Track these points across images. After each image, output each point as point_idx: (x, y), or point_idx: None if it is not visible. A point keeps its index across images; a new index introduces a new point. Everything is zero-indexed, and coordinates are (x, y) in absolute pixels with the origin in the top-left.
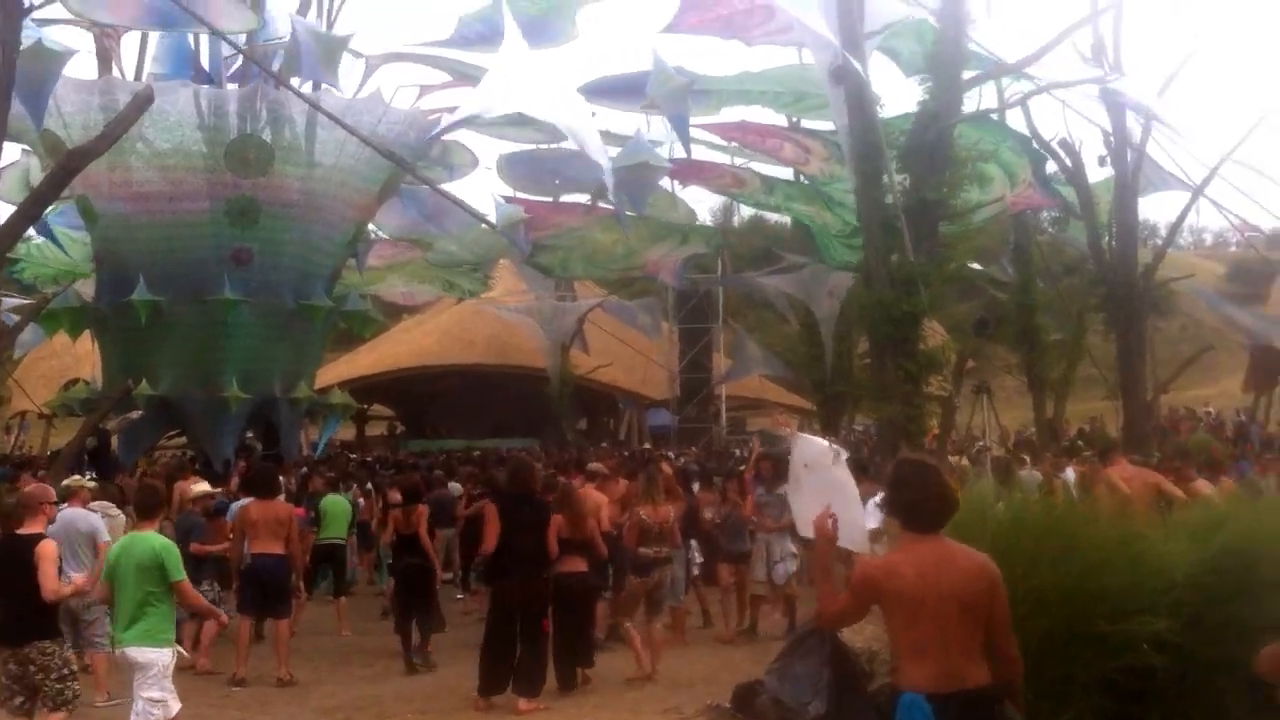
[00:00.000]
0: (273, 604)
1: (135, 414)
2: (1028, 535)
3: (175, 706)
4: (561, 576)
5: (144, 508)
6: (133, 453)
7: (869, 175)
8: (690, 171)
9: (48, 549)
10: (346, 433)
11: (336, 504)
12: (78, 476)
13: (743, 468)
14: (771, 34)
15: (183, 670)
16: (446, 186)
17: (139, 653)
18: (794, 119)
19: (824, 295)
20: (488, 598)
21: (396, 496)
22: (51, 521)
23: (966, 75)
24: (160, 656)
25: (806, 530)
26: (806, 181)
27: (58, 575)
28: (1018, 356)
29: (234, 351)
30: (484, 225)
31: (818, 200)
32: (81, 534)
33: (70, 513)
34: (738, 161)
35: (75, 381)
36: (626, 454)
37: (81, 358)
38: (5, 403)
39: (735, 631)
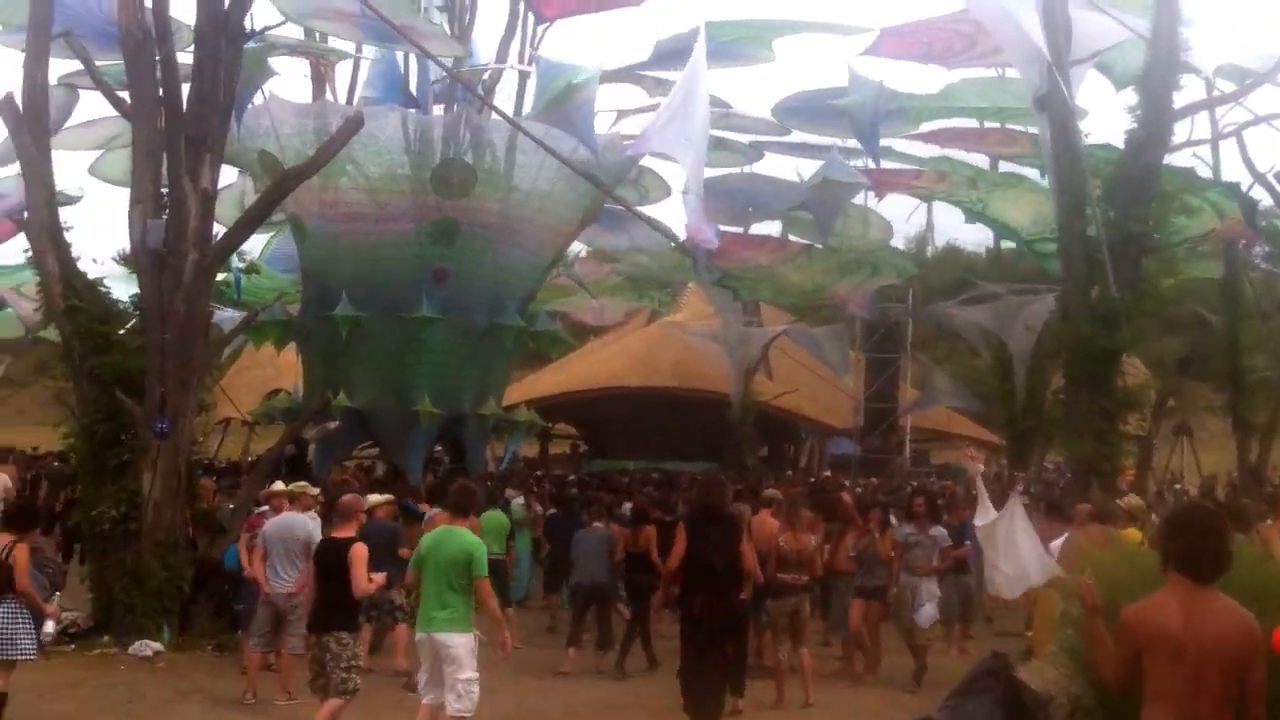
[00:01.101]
0: None
1: (333, 424)
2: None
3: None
4: None
5: (459, 507)
6: (326, 462)
7: (1072, 206)
8: (886, 179)
9: (359, 551)
10: (530, 450)
11: (492, 519)
12: (303, 483)
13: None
14: (972, 59)
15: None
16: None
17: (447, 638)
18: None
19: (1019, 328)
20: (679, 620)
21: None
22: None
23: (1178, 104)
24: (466, 640)
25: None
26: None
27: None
28: (1222, 397)
29: (427, 368)
30: (674, 248)
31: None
32: (298, 538)
33: (289, 516)
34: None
35: (277, 391)
36: (810, 482)
37: (284, 369)
38: (212, 409)
39: (869, 671)
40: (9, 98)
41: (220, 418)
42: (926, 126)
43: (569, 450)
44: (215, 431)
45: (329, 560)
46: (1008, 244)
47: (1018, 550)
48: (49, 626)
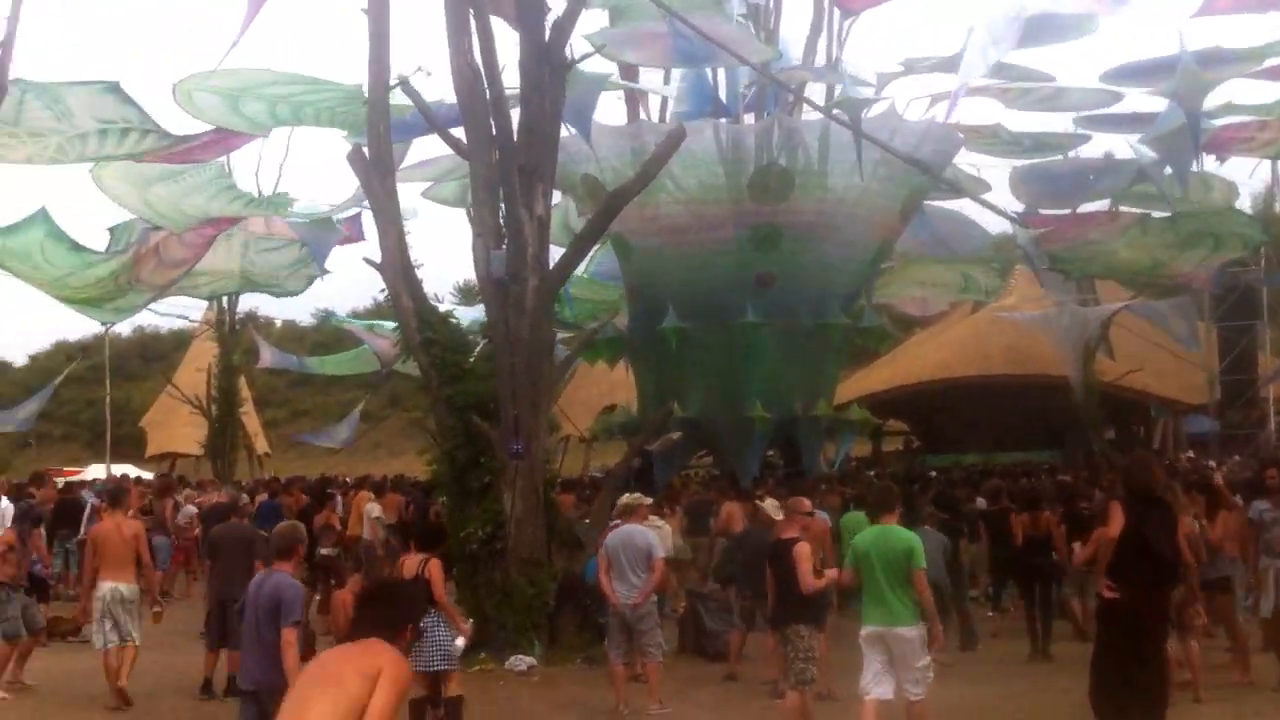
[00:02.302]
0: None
1: (675, 435)
2: None
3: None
4: None
5: (882, 505)
6: (667, 472)
7: None
8: (1226, 137)
9: (803, 549)
10: (861, 449)
11: (853, 519)
12: (637, 494)
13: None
14: None
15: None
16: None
17: (904, 631)
18: None
19: None
20: (1097, 610)
21: None
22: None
23: None
24: (917, 632)
25: None
26: None
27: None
28: None
29: (756, 373)
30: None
31: None
32: (639, 548)
33: (629, 528)
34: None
35: (613, 407)
36: (1169, 465)
37: (616, 385)
38: (557, 429)
39: (1243, 675)
40: (357, 149)
41: (560, 436)
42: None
43: (901, 447)
44: (556, 450)
45: (779, 560)
46: None
47: None
48: (459, 642)
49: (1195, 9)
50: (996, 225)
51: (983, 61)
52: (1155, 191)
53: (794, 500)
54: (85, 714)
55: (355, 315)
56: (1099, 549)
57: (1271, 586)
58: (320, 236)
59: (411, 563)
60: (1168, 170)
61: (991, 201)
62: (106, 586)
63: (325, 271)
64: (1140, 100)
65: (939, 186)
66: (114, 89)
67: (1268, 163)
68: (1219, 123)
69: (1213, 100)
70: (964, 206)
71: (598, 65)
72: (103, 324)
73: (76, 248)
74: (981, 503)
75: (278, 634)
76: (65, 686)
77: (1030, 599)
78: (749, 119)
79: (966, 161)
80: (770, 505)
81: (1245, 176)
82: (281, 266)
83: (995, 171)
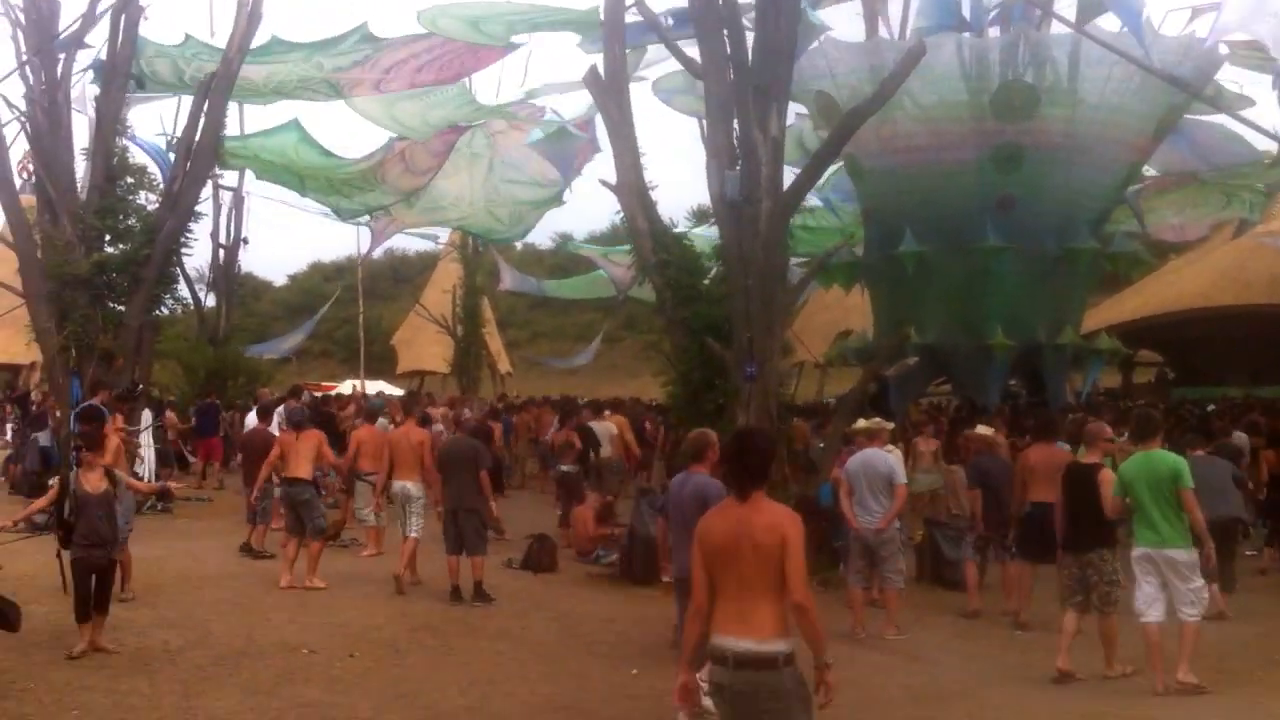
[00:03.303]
0: (1054, 552)
1: (912, 361)
2: None
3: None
4: None
5: (1144, 433)
6: (904, 399)
7: None
8: None
9: (1107, 475)
10: (1110, 379)
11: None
12: (878, 419)
13: None
14: None
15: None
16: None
17: (1175, 553)
18: None
19: None
20: None
21: None
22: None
23: None
24: (1188, 555)
25: None
26: None
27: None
28: None
29: (997, 299)
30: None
31: None
32: (880, 473)
33: (869, 452)
34: None
35: (848, 333)
36: None
37: (851, 310)
38: (791, 354)
39: None
40: (593, 71)
41: (794, 361)
42: None
43: (1153, 379)
44: (790, 375)
45: (1079, 485)
46: None
47: None
48: None
49: None
50: (1264, 143)
51: None
52: None
53: (1095, 426)
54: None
55: (592, 240)
56: None
57: None
58: (562, 150)
59: None
60: None
61: (1255, 120)
62: (397, 485)
63: (570, 183)
64: None
65: (1198, 104)
66: (366, 36)
67: None
68: None
69: None
70: (1228, 120)
71: None
72: (346, 219)
73: (326, 153)
74: (1241, 436)
75: None
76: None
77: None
78: (994, 34)
79: (1229, 78)
80: (982, 429)
81: None
82: (524, 202)
83: (1259, 88)
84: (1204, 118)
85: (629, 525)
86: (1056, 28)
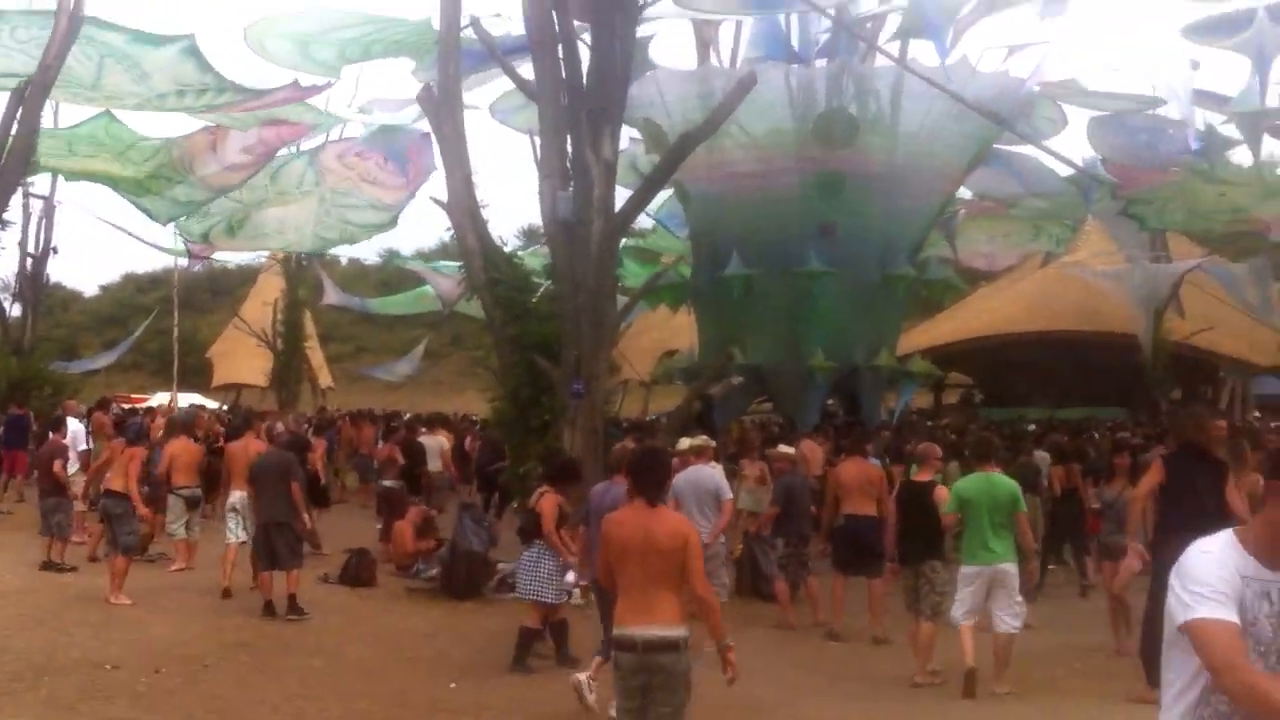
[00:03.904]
0: (866, 563)
1: (735, 380)
2: None
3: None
4: None
5: (982, 455)
6: (726, 417)
7: None
8: None
9: (943, 492)
10: (922, 400)
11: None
12: (704, 437)
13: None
14: None
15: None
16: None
17: (1008, 567)
18: None
19: None
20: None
21: None
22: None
23: None
24: (1016, 569)
25: None
26: None
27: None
28: None
29: (818, 322)
30: (1070, 181)
31: None
32: (707, 489)
33: (696, 469)
34: None
35: (673, 352)
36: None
37: (678, 330)
38: (616, 372)
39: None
40: (427, 89)
41: (619, 379)
42: None
43: (957, 400)
44: (616, 392)
45: (913, 501)
46: None
47: None
48: (570, 576)
49: None
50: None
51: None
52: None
53: (925, 447)
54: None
55: (420, 256)
56: (1130, 506)
57: None
58: (395, 142)
59: (536, 495)
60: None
61: (1060, 152)
62: (236, 495)
63: (405, 204)
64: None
65: (1011, 137)
66: (192, 51)
67: None
68: None
69: None
70: (1038, 151)
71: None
72: (163, 221)
73: (137, 135)
74: (1043, 455)
75: None
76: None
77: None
78: (821, 65)
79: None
80: (782, 449)
81: None
82: (356, 224)
83: (1071, 125)
84: (1017, 149)
85: (450, 539)
86: (881, 60)
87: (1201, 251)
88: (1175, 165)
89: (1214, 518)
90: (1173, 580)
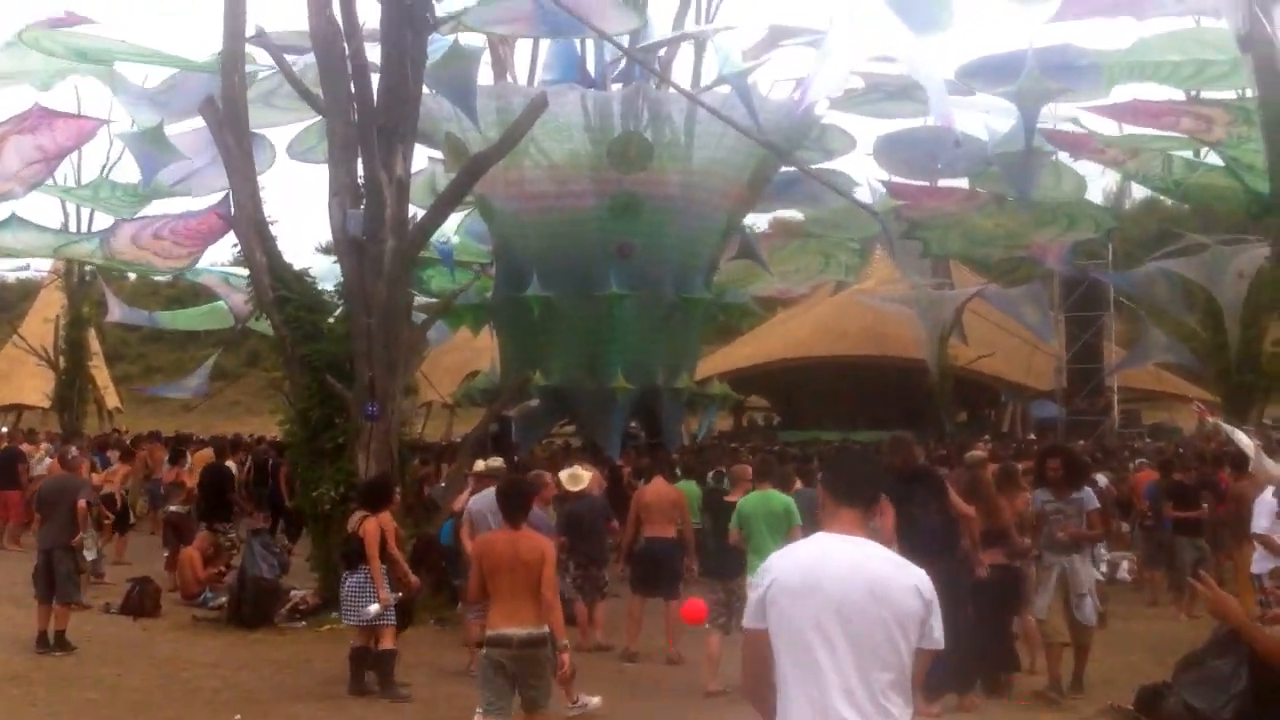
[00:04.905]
0: (664, 585)
1: (534, 402)
2: None
3: None
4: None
5: (762, 474)
6: (528, 439)
7: None
8: (1076, 143)
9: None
10: (722, 423)
11: (687, 489)
12: (499, 459)
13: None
14: (1165, 5)
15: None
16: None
17: None
18: (1193, 92)
19: (1228, 278)
20: None
21: None
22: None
23: None
24: None
25: None
26: (1209, 153)
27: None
28: None
29: (618, 344)
30: (856, 205)
31: (1225, 174)
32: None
33: (492, 491)
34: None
35: (475, 374)
36: (1014, 447)
37: (481, 351)
38: (415, 393)
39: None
40: (210, 100)
41: (422, 401)
42: (1118, 92)
43: (762, 422)
44: (419, 415)
45: (724, 519)
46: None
47: None
48: (373, 608)
49: (1050, 15)
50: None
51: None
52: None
53: (739, 468)
54: None
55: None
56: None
57: (1053, 584)
58: (151, 152)
59: (355, 519)
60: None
61: (829, 177)
62: None
63: (145, 190)
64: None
65: (787, 161)
66: None
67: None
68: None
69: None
70: (833, 166)
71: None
72: None
73: None
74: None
75: None
76: None
77: None
78: (617, 89)
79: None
80: (566, 474)
81: (1097, 173)
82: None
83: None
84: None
85: (240, 566)
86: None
87: (981, 279)
88: (955, 175)
89: (939, 534)
90: None
